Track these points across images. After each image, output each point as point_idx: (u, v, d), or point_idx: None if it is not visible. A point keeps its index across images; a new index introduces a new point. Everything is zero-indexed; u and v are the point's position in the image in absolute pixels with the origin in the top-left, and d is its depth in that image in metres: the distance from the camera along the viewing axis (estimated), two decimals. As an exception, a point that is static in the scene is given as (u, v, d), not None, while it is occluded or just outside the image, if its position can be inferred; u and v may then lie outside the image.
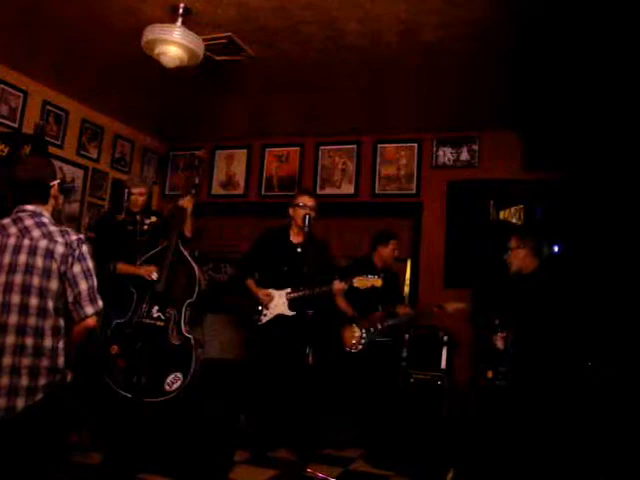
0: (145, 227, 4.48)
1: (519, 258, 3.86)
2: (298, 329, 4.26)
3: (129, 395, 3.77)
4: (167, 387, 3.92)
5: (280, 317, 4.37)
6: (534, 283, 3.70)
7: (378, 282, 4.20)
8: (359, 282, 4.21)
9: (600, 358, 3.74)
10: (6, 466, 2.07)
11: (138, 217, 4.42)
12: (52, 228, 2.28)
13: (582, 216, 4.89)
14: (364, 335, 4.81)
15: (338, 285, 4.26)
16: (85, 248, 2.30)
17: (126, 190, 4.42)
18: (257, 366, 4.44)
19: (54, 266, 2.20)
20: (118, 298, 4.02)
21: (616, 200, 4.60)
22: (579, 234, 4.86)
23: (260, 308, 4.41)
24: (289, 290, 4.36)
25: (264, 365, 4.37)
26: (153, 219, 4.61)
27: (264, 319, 4.40)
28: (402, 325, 5.08)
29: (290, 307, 4.36)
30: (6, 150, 4.74)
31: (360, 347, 4.78)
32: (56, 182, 2.43)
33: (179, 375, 3.96)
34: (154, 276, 4.13)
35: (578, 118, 4.86)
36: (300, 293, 4.32)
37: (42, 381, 2.14)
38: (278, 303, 4.41)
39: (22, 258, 2.17)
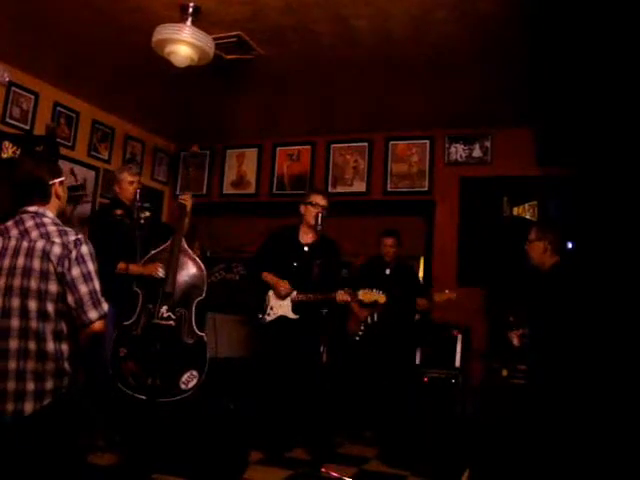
0: (142, 221, 4.38)
1: (538, 252, 3.65)
2: (301, 330, 4.28)
3: (143, 397, 3.76)
4: (183, 386, 3.92)
5: (283, 318, 4.36)
6: (552, 283, 3.60)
7: (382, 298, 4.23)
8: (364, 295, 4.25)
9: (620, 358, 3.68)
10: (18, 469, 2.06)
11: (135, 211, 4.30)
12: (51, 228, 2.21)
13: (597, 212, 4.83)
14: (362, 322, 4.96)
15: (341, 296, 4.24)
16: (85, 249, 2.21)
17: (121, 179, 4.32)
18: (262, 364, 4.44)
19: (51, 268, 2.13)
20: (121, 299, 3.92)
21: (632, 195, 4.54)
22: (594, 230, 4.80)
23: (265, 306, 4.41)
24: (294, 293, 4.36)
25: (269, 364, 4.37)
26: (147, 214, 4.52)
27: (268, 318, 4.39)
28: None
29: (294, 310, 4.35)
30: (18, 152, 4.76)
31: (360, 333, 4.96)
32: (57, 180, 2.34)
33: (195, 373, 3.95)
34: (160, 273, 4.08)
35: (592, 113, 4.80)
36: (304, 298, 4.31)
37: (49, 385, 2.11)
38: (283, 304, 4.39)
39: (20, 261, 2.13)
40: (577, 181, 5.05)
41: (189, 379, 3.94)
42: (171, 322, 4.02)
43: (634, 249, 4.35)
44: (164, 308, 4.04)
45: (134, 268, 4.10)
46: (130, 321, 4.01)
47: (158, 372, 3.74)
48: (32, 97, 5.16)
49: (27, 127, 5.09)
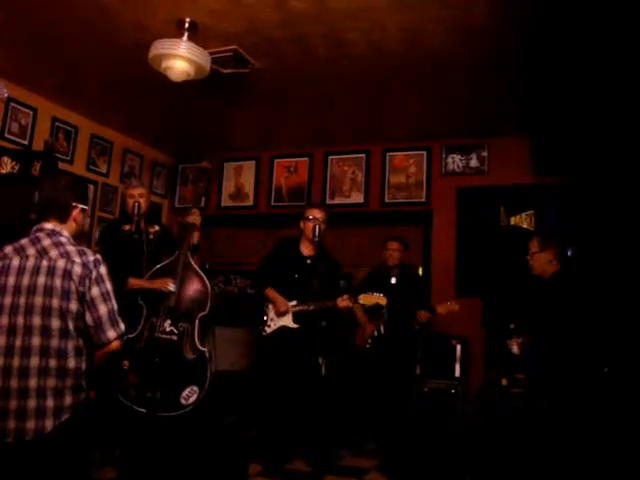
0: (151, 237, 4.41)
1: (541, 262, 3.63)
2: (301, 341, 4.28)
3: (143, 410, 3.75)
4: (183, 401, 3.91)
5: (284, 329, 4.37)
6: (554, 291, 3.58)
7: (382, 300, 4.28)
8: (364, 299, 4.31)
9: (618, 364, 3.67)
10: None
11: (143, 226, 4.31)
12: (69, 248, 2.25)
13: (594, 220, 4.84)
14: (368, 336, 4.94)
15: (343, 302, 4.26)
16: (103, 269, 2.26)
17: (123, 194, 4.35)
18: (263, 376, 4.44)
19: (73, 287, 2.17)
20: (125, 312, 3.92)
21: (628, 202, 4.55)
22: (591, 238, 4.81)
23: (265, 318, 4.41)
24: (294, 303, 4.37)
25: (270, 375, 4.36)
26: (157, 228, 4.54)
27: (268, 330, 4.40)
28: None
29: (294, 320, 4.36)
30: (17, 167, 4.78)
31: (368, 346, 4.92)
32: (80, 206, 2.40)
33: (195, 389, 3.95)
34: (171, 287, 4.08)
35: (588, 121, 4.82)
36: (305, 307, 4.32)
37: (68, 401, 2.13)
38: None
39: (41, 279, 2.15)
40: (573, 189, 5.07)
41: (189, 394, 3.94)
42: (173, 337, 4.02)
43: (632, 255, 4.36)
44: (167, 322, 4.04)
45: (134, 282, 4.10)
46: (133, 334, 4.01)
47: (159, 386, 3.74)
48: (30, 112, 5.19)
49: (26, 142, 5.11)
